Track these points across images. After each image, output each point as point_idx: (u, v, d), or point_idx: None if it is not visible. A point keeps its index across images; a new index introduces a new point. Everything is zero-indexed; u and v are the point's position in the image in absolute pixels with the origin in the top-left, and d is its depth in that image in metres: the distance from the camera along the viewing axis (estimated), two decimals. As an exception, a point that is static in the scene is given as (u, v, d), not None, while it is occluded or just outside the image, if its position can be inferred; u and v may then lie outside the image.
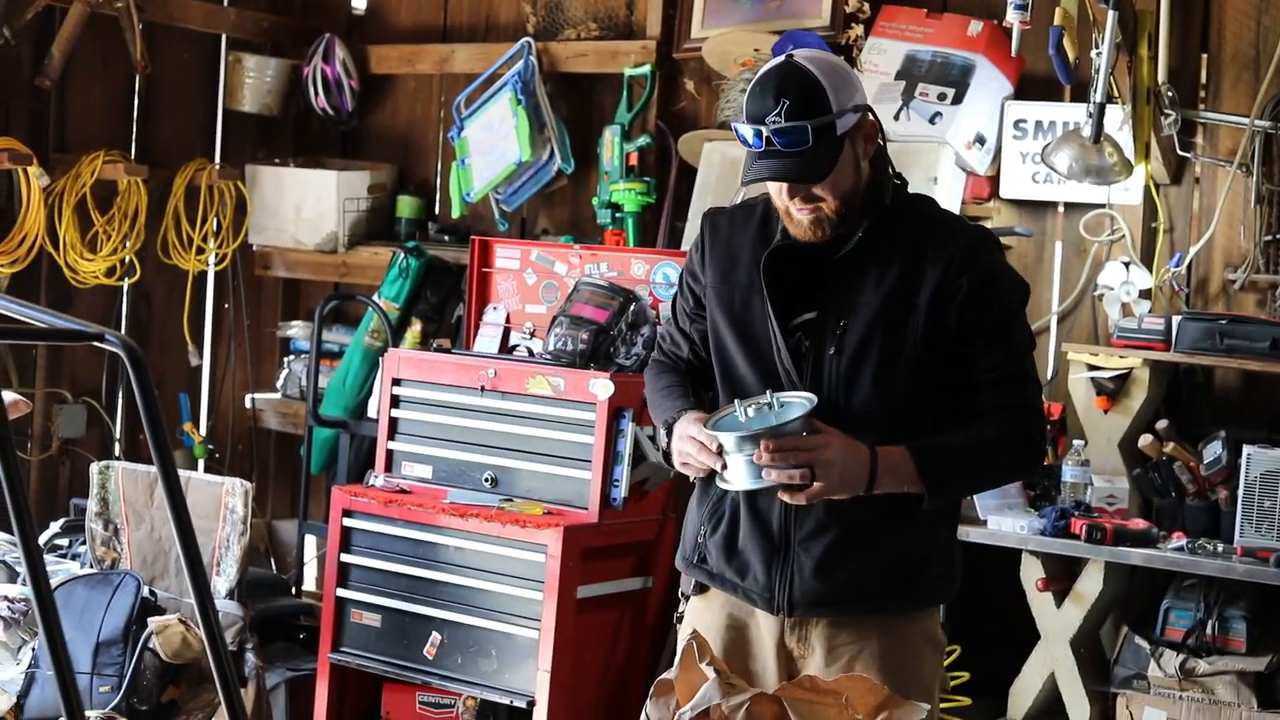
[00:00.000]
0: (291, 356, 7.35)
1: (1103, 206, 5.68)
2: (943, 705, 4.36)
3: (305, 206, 7.16)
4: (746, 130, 3.45)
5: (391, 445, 5.63)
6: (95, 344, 2.88)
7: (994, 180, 5.80)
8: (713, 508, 3.67)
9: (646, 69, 6.43)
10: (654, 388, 3.80)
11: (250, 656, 5.29)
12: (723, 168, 5.94)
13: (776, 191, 3.51)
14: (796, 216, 3.50)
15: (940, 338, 3.50)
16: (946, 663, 3.96)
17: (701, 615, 3.73)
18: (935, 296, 3.49)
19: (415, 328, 6.71)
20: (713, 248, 3.69)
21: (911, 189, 3.66)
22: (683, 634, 3.72)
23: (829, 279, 3.55)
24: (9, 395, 5.36)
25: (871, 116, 3.53)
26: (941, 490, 3.46)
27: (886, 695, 2.97)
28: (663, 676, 3.00)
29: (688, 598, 3.79)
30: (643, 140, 6.36)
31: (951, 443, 3.48)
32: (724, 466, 3.41)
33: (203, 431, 7.32)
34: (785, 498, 3.38)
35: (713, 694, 2.90)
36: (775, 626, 3.63)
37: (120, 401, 7.21)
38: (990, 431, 3.49)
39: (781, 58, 3.50)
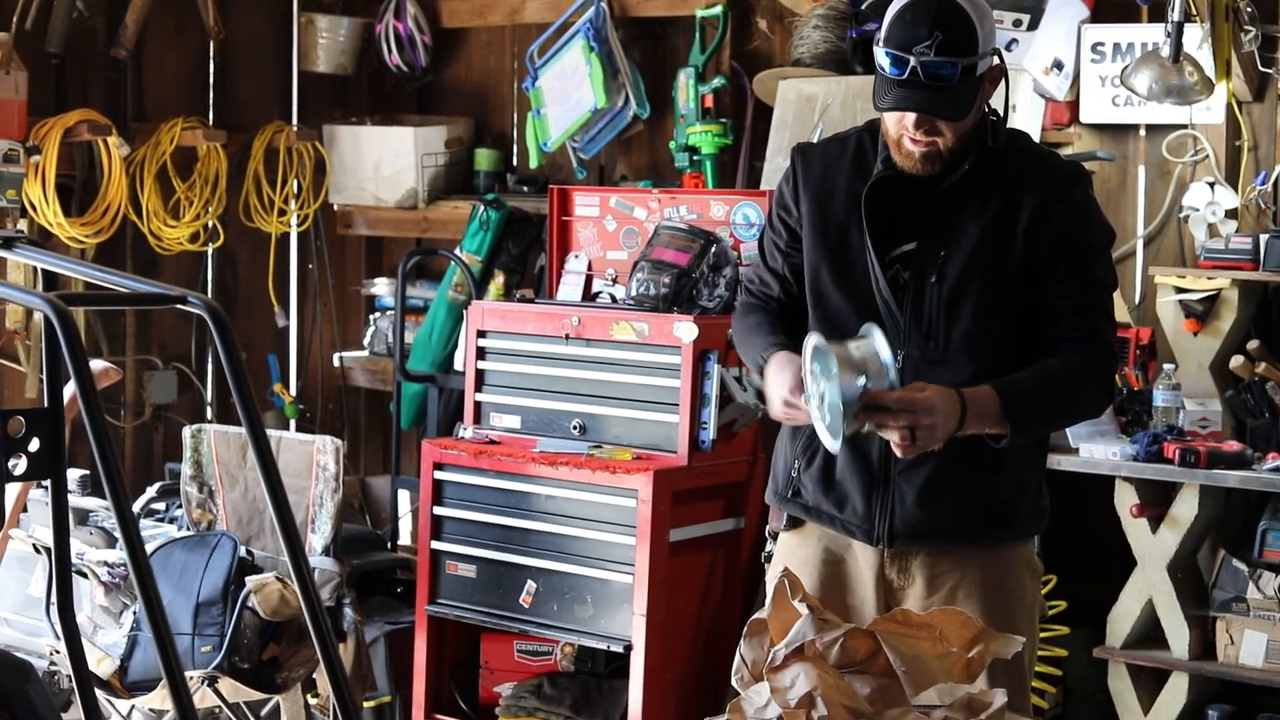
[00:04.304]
0: (377, 314, 7.39)
1: (1185, 127, 5.61)
2: (1041, 634, 4.35)
3: (384, 164, 7.18)
4: (887, 57, 3.43)
5: (479, 397, 5.65)
6: (180, 307, 2.92)
7: (1073, 105, 5.74)
8: (806, 442, 3.66)
9: (718, 10, 6.39)
10: (741, 327, 3.78)
11: (348, 611, 5.34)
12: (799, 105, 5.89)
13: (896, 120, 3.49)
14: (909, 148, 3.49)
15: (1032, 265, 3.51)
16: (1044, 591, 3.95)
17: (795, 551, 3.73)
18: (1031, 225, 3.51)
19: (498, 279, 6.73)
20: (805, 180, 3.67)
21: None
22: (773, 572, 3.72)
23: (928, 211, 3.55)
24: (99, 364, 5.41)
25: (998, 60, 3.53)
26: (1022, 429, 3.46)
27: (981, 628, 2.95)
28: (756, 616, 2.99)
29: (776, 535, 3.79)
30: (717, 82, 6.33)
31: (1033, 381, 3.48)
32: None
33: (293, 392, 7.38)
34: (898, 452, 3.38)
35: (806, 630, 2.89)
36: (874, 558, 3.64)
37: (210, 366, 7.29)
38: (1066, 368, 3.50)
39: None
